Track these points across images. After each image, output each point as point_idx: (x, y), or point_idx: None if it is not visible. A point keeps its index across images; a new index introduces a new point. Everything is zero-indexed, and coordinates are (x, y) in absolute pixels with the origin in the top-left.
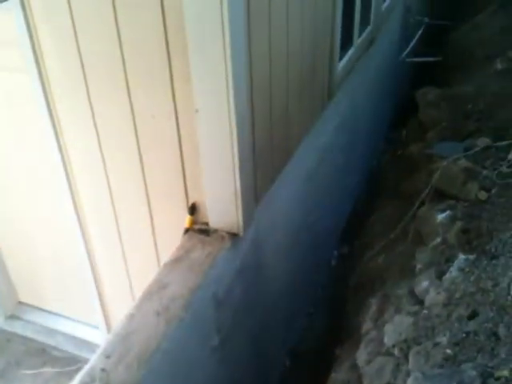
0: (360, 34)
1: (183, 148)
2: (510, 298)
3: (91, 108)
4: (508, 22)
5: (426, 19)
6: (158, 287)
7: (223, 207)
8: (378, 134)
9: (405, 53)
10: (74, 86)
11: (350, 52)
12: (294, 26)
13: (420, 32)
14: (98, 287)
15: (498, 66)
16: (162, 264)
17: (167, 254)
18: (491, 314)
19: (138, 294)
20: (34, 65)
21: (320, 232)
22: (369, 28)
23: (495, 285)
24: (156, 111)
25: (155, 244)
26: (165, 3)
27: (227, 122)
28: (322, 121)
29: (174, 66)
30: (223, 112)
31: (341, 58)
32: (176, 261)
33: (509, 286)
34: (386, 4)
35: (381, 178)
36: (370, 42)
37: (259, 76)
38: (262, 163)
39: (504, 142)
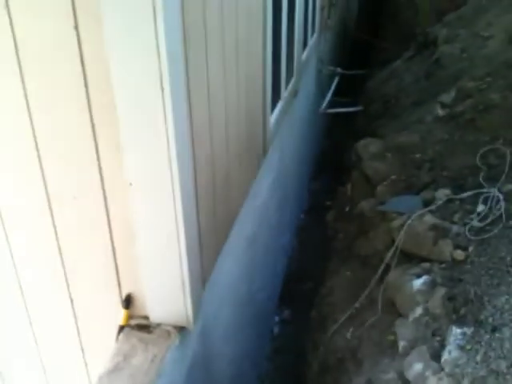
0: (286, 86)
1: (113, 231)
2: None
3: None
4: (427, 67)
5: (339, 69)
6: None
7: (167, 297)
8: (302, 188)
9: (324, 104)
10: None
11: (279, 105)
12: (230, 89)
13: (335, 82)
14: None
15: (439, 112)
16: (96, 378)
17: (100, 363)
18: None
19: None
20: None
21: (261, 299)
22: (293, 79)
23: (511, 365)
24: (77, 191)
25: (82, 350)
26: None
27: (170, 197)
28: (258, 180)
29: (98, 135)
30: (165, 185)
31: (271, 112)
32: (114, 371)
33: None
34: (304, 55)
35: (330, 238)
36: (294, 93)
37: (201, 141)
38: (206, 239)
39: (468, 193)
